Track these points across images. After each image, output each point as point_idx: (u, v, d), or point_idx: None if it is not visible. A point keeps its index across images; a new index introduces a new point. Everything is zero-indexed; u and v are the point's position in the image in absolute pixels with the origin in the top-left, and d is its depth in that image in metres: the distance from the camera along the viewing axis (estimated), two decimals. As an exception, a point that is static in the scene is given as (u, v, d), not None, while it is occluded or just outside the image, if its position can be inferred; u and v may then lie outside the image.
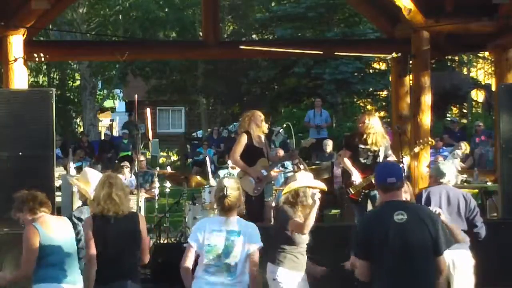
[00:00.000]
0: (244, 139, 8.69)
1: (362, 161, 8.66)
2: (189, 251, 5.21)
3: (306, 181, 6.29)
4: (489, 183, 11.35)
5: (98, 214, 5.45)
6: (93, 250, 5.38)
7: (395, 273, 4.71)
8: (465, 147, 14.31)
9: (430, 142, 9.17)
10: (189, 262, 5.20)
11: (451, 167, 7.16)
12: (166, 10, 25.52)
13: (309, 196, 6.19)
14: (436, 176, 6.90)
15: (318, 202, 6.03)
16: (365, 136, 8.67)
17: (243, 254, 5.20)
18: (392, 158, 8.69)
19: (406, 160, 8.88)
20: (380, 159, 8.62)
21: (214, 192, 5.49)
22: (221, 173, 11.68)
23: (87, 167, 7.09)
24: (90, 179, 6.09)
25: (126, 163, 14.59)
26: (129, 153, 18.23)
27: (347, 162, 8.69)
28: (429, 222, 4.72)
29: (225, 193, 5.20)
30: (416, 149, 9.04)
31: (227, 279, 5.21)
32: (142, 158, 16.01)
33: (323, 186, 6.27)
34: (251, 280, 5.22)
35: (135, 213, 5.66)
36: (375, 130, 8.66)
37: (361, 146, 8.64)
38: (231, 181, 5.37)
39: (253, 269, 5.21)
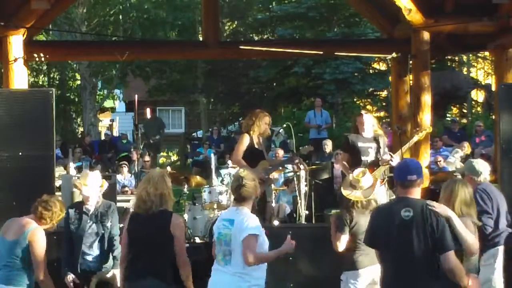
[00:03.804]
0: (246, 140, 8.60)
1: (364, 159, 8.59)
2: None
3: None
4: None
5: (134, 212, 5.65)
6: (121, 249, 5.69)
7: (397, 267, 4.89)
8: (467, 148, 14.34)
9: (428, 129, 9.03)
10: None
11: (485, 164, 6.94)
12: (166, 10, 25.49)
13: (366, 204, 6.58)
14: (472, 175, 6.78)
15: None
16: (363, 134, 8.60)
17: (237, 242, 5.25)
18: (387, 156, 8.61)
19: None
20: (380, 155, 8.57)
21: (231, 183, 5.63)
22: (223, 172, 11.69)
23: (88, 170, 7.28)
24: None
25: (125, 163, 14.61)
26: (127, 153, 18.24)
27: (345, 167, 8.65)
28: (434, 220, 4.82)
29: (240, 182, 5.31)
30: (415, 138, 8.93)
31: (224, 267, 5.32)
32: (147, 158, 16.04)
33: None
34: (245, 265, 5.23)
35: (167, 212, 5.56)
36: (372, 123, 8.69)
37: (360, 144, 8.56)
38: (246, 172, 5.50)
39: (245, 253, 5.18)
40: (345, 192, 6.74)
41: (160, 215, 5.50)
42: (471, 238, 5.14)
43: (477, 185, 6.72)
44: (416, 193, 4.98)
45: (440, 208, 4.95)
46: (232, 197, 9.51)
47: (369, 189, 6.68)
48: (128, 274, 5.57)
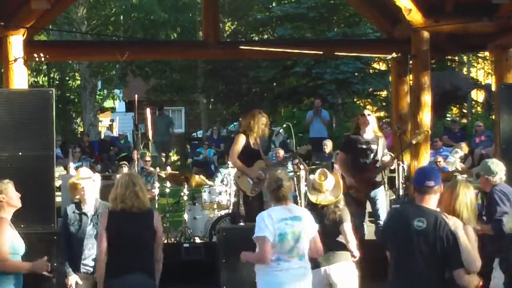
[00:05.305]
0: (242, 140, 8.58)
1: (362, 161, 8.62)
2: (266, 245, 5.52)
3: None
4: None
5: (117, 210, 5.69)
6: (104, 244, 5.67)
7: (403, 275, 4.91)
8: (464, 148, 14.32)
9: (427, 132, 9.04)
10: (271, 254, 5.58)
11: (500, 164, 6.77)
12: (167, 11, 25.50)
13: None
14: (488, 175, 6.66)
15: None
16: (364, 135, 8.62)
17: (308, 237, 5.63)
18: (387, 157, 8.65)
19: (406, 162, 8.82)
20: (378, 157, 8.59)
21: (267, 185, 5.90)
22: (222, 172, 11.69)
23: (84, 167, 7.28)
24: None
25: (125, 163, 14.62)
26: (126, 153, 18.25)
27: (343, 168, 8.66)
28: (446, 234, 4.78)
29: (280, 183, 5.63)
30: (414, 141, 8.94)
31: (297, 263, 5.58)
32: (148, 158, 16.07)
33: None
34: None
35: (151, 210, 5.90)
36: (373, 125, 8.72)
37: (360, 146, 8.58)
38: (283, 172, 5.84)
39: (319, 246, 5.69)
40: (312, 197, 6.58)
41: (147, 212, 5.77)
42: (474, 256, 4.84)
43: (493, 186, 6.62)
44: (432, 201, 4.92)
45: (451, 221, 4.84)
46: (231, 197, 9.57)
47: (336, 188, 6.57)
48: (113, 270, 5.60)
